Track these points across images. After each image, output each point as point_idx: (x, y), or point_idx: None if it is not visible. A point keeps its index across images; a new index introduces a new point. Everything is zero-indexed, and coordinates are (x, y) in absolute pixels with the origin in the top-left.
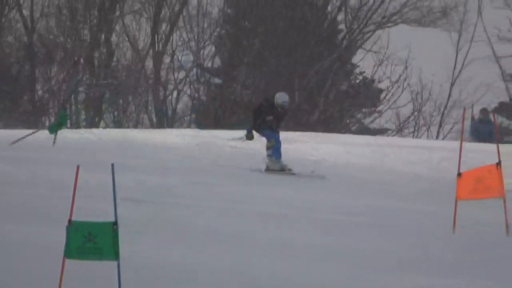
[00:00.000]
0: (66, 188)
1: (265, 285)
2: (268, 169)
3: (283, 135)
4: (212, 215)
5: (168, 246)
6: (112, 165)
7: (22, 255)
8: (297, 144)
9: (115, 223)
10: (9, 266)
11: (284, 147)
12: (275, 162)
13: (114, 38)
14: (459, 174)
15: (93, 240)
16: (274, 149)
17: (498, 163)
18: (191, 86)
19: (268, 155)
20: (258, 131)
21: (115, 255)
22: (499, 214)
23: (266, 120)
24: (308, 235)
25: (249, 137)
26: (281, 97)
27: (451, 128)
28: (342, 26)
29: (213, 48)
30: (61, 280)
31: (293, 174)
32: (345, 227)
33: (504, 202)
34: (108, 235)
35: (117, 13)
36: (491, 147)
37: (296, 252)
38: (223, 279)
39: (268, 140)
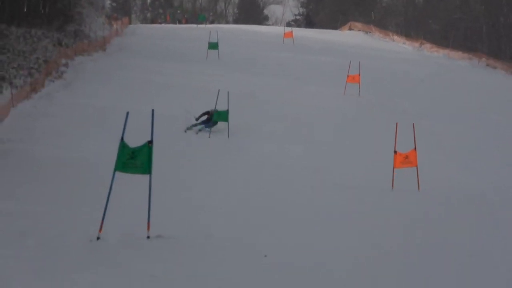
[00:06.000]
0: None
1: None
2: (188, 128)
3: None
4: None
5: None
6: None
7: None
8: None
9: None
10: None
11: None
12: (194, 127)
13: None
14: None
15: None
16: (203, 127)
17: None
18: None
19: (195, 127)
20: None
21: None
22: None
23: (204, 119)
24: None
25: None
26: (211, 109)
27: None
28: None
29: None
30: None
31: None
32: None
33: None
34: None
35: None
36: None
37: None
38: None
39: (204, 125)
